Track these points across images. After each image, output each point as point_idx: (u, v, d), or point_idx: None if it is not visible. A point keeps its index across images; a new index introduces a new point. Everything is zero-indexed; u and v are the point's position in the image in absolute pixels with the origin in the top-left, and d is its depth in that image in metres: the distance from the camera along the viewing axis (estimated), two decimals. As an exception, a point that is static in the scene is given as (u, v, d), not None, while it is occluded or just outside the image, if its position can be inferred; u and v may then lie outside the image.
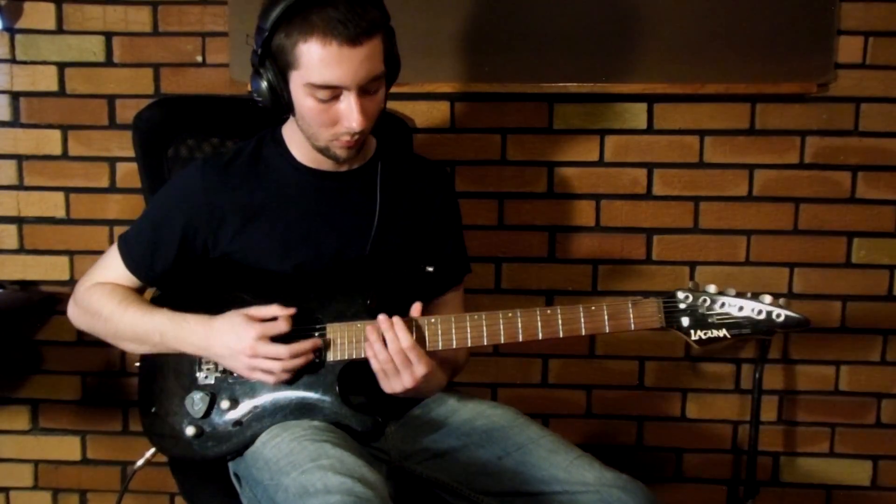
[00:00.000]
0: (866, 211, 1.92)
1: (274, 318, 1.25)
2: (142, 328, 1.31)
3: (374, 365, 1.24)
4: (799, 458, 2.02)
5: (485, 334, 1.25)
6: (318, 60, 1.17)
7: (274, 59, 1.22)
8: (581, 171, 1.94)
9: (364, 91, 1.21)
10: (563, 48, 1.85)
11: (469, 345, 1.26)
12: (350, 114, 1.21)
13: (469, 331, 1.25)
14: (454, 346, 1.26)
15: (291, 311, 1.25)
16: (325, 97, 1.21)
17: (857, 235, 1.94)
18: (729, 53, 1.84)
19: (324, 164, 1.35)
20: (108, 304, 1.34)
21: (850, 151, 1.91)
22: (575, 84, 1.86)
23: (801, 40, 1.84)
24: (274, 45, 1.20)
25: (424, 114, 1.93)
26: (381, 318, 1.23)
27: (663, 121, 1.92)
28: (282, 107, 1.26)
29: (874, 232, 1.93)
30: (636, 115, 1.92)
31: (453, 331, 1.25)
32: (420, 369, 1.22)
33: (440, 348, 1.26)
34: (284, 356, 1.23)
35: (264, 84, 1.24)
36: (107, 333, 1.36)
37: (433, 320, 1.26)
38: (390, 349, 1.21)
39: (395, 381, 1.23)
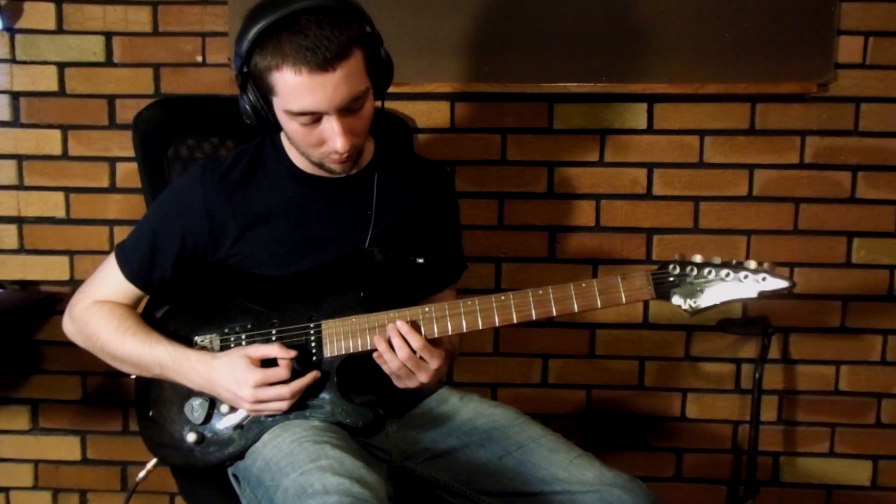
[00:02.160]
0: (866, 211, 1.93)
1: (275, 359, 1.25)
2: (140, 359, 1.30)
3: (387, 370, 1.25)
4: (799, 458, 2.02)
5: (479, 319, 1.25)
6: (292, 89, 1.16)
7: (254, 83, 1.21)
8: (581, 171, 1.94)
9: (346, 111, 1.20)
10: (563, 48, 1.85)
11: (465, 330, 1.25)
12: (333, 136, 1.20)
13: (463, 316, 1.25)
14: (450, 333, 1.26)
15: (292, 353, 1.25)
16: (306, 122, 1.20)
17: (857, 235, 1.94)
18: (729, 53, 1.84)
19: (321, 171, 1.35)
20: (106, 330, 1.32)
21: (850, 151, 1.91)
22: (575, 84, 1.86)
23: (801, 40, 1.84)
24: (251, 70, 1.19)
25: (424, 114, 1.93)
26: (389, 326, 1.23)
27: (663, 121, 1.92)
28: (269, 127, 1.26)
29: (874, 232, 1.93)
30: (636, 115, 1.92)
31: (448, 318, 1.25)
32: (434, 363, 1.24)
33: (436, 335, 1.26)
34: (286, 397, 1.24)
35: (248, 107, 1.24)
36: (104, 356, 1.34)
37: (427, 309, 1.26)
38: (400, 355, 1.22)
39: (411, 381, 1.25)
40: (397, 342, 1.22)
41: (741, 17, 1.83)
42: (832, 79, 1.87)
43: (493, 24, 1.84)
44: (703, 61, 1.84)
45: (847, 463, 2.02)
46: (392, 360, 1.23)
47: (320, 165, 1.30)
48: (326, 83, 1.15)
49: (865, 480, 2.02)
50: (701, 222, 1.94)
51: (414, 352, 1.23)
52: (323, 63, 1.13)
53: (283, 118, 1.23)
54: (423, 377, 1.25)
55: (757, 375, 1.86)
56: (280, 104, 1.20)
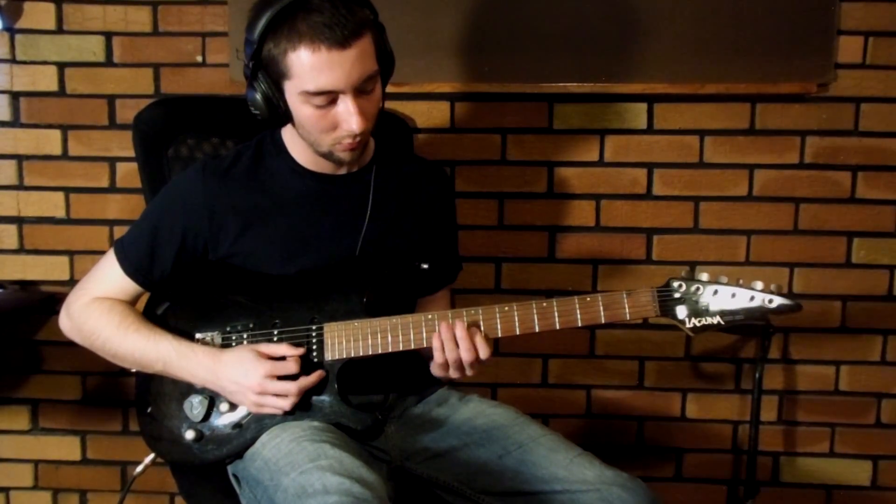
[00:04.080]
0: (866, 211, 1.93)
1: (283, 357, 1.25)
2: (144, 355, 1.29)
3: (441, 359, 1.25)
4: (799, 458, 2.02)
5: (482, 328, 1.25)
6: (309, 68, 1.16)
7: (266, 71, 1.21)
8: (581, 171, 1.94)
9: (360, 91, 1.21)
10: (563, 48, 1.85)
11: None
12: (349, 117, 1.21)
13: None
14: None
15: (300, 351, 1.26)
16: (321, 103, 1.20)
17: (857, 235, 1.94)
18: (729, 53, 1.84)
19: (324, 167, 1.35)
20: (108, 326, 1.31)
21: (850, 151, 1.91)
22: (575, 84, 1.86)
23: (801, 40, 1.84)
24: (264, 57, 1.20)
25: (424, 114, 1.93)
26: (458, 326, 1.24)
27: (663, 121, 1.92)
28: (279, 117, 1.25)
29: (874, 232, 1.93)
30: (636, 115, 1.92)
31: None
32: (484, 352, 1.25)
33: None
34: (292, 393, 1.24)
35: (259, 96, 1.23)
36: (104, 353, 1.34)
37: (430, 317, 1.26)
38: (450, 357, 1.24)
39: (469, 370, 1.27)
40: (466, 344, 1.23)
41: (741, 17, 1.83)
42: (832, 79, 1.87)
43: (494, 24, 1.84)
44: (703, 61, 1.84)
45: (847, 463, 2.02)
46: (452, 352, 1.23)
47: (328, 155, 1.29)
48: (344, 60, 1.16)
49: (865, 480, 2.02)
50: (701, 222, 1.94)
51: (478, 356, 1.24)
52: (341, 39, 1.15)
53: (296, 103, 1.22)
54: (467, 373, 1.27)
55: (757, 375, 1.87)
56: (295, 87, 1.20)
